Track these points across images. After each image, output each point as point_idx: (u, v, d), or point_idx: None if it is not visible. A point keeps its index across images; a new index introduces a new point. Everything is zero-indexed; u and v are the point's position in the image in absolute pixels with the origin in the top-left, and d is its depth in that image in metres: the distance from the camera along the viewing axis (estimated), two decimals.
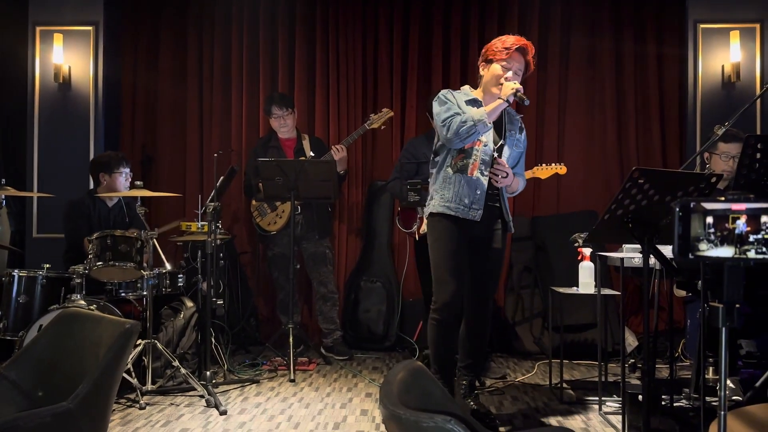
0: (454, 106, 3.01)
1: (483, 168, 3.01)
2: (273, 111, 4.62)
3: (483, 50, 3.12)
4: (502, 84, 2.98)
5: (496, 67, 3.03)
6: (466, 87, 3.19)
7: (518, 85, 2.95)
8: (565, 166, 4.22)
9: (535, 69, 4.99)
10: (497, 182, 3.02)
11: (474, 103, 3.05)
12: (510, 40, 3.04)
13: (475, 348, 3.23)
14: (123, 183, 4.12)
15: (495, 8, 5.14)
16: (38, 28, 5.03)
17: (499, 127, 3.12)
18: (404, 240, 4.95)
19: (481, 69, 3.13)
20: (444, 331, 3.02)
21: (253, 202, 4.70)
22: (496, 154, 3.05)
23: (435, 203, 3.07)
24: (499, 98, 2.97)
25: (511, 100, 2.94)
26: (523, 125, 3.25)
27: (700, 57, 4.91)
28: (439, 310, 3.00)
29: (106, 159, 4.16)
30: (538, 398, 3.58)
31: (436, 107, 3.07)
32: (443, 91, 3.11)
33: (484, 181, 3.01)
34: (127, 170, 4.16)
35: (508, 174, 3.02)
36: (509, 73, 3.00)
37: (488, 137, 3.04)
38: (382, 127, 4.64)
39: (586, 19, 5.19)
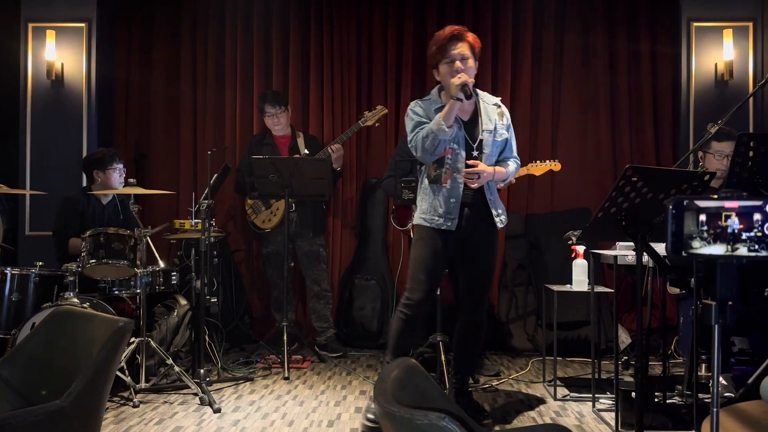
0: (420, 119, 3.01)
1: (457, 175, 3.00)
2: (266, 109, 4.60)
3: (428, 58, 3.09)
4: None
5: (443, 68, 3.02)
6: (435, 90, 3.14)
7: (463, 79, 2.90)
8: (560, 163, 4.23)
9: (530, 67, 5.09)
10: (472, 185, 2.99)
11: (442, 110, 3.01)
12: (440, 37, 3.02)
13: (471, 348, 3.23)
14: (117, 179, 4.11)
15: (489, 6, 5.14)
16: (31, 25, 5.00)
17: (475, 123, 3.06)
18: (399, 238, 4.94)
19: (435, 76, 3.10)
20: (409, 327, 3.07)
21: (248, 200, 4.69)
22: (475, 153, 3.01)
23: (416, 214, 3.12)
24: (450, 98, 2.93)
25: (462, 96, 2.89)
26: (502, 109, 3.15)
27: (693, 55, 4.92)
28: (411, 306, 3.04)
29: (99, 155, 4.15)
30: (531, 395, 3.59)
31: (406, 123, 3.08)
32: (412, 105, 3.11)
33: (459, 188, 3.00)
34: (121, 166, 4.14)
35: (481, 175, 2.97)
36: (460, 67, 2.94)
37: (459, 142, 3.00)
38: (377, 125, 4.64)
39: (579, 18, 5.19)
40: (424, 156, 2.98)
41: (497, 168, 3.07)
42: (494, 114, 3.10)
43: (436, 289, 3.10)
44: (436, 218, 3.01)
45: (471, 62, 3.01)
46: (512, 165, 3.16)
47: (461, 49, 2.99)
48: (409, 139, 3.04)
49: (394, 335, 3.10)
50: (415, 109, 3.07)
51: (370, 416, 2.97)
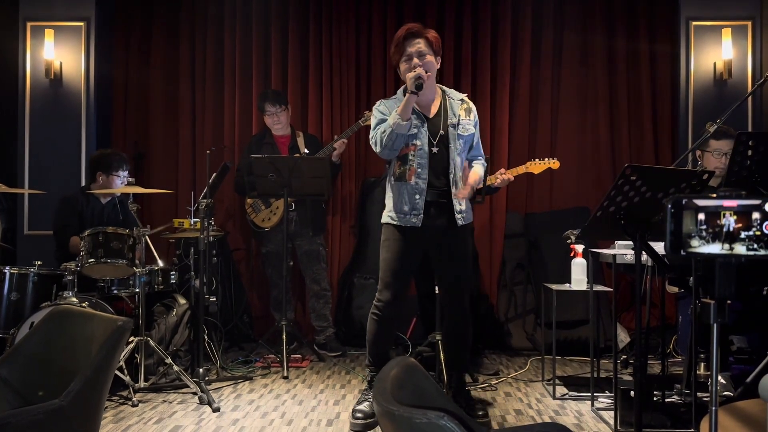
0: (382, 117, 3.04)
1: (420, 172, 3.02)
2: (266, 108, 4.60)
3: (390, 57, 3.12)
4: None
5: (402, 66, 3.05)
6: (399, 91, 3.16)
7: (417, 72, 2.90)
8: (558, 161, 4.23)
9: (529, 65, 5.09)
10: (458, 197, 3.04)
11: None
12: (397, 37, 3.05)
13: (457, 345, 3.24)
14: (119, 185, 4.10)
15: (488, 5, 5.14)
16: (29, 24, 5.00)
17: (438, 119, 3.07)
18: None
19: (401, 75, 3.12)
20: (383, 327, 3.13)
21: (248, 199, 4.69)
22: (435, 149, 3.03)
23: (384, 213, 3.15)
24: (408, 93, 2.94)
25: (414, 89, 2.89)
26: (469, 105, 3.16)
27: (692, 54, 4.92)
28: (381, 307, 3.10)
29: (107, 159, 4.10)
30: (530, 394, 3.60)
31: (371, 122, 3.12)
32: (377, 104, 3.14)
33: (423, 184, 3.02)
34: (126, 173, 4.12)
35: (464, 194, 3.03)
36: (417, 63, 2.96)
37: (422, 139, 3.02)
38: None
39: (578, 17, 5.19)
40: (383, 151, 3.01)
41: (472, 173, 3.10)
42: (458, 109, 3.12)
43: (405, 290, 3.15)
44: (402, 215, 3.04)
45: (429, 58, 3.02)
46: (480, 169, 3.18)
47: (418, 46, 3.01)
48: (370, 136, 3.08)
49: (370, 337, 3.17)
50: (378, 107, 3.11)
51: (359, 414, 3.00)
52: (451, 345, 3.26)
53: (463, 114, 3.12)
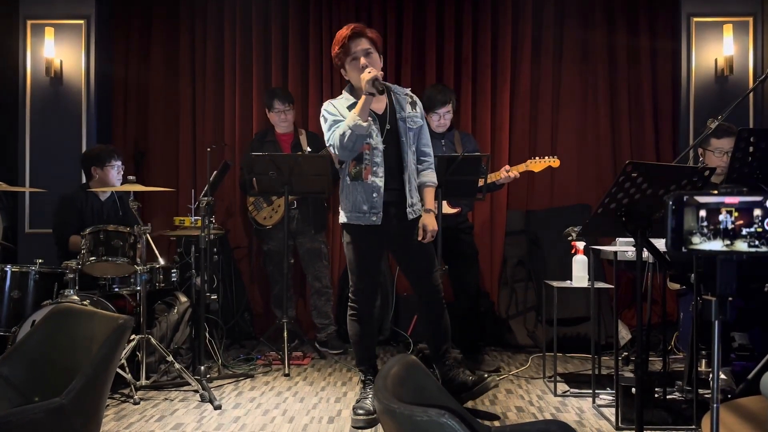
0: (335, 118, 3.04)
1: (376, 170, 3.03)
2: (275, 105, 4.61)
3: (333, 59, 3.12)
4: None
5: (349, 66, 3.05)
6: (346, 89, 3.17)
7: (373, 74, 2.90)
8: (558, 159, 4.23)
9: (529, 62, 5.08)
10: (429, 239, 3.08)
11: (355, 106, 3.03)
12: (338, 37, 3.05)
13: (435, 334, 3.24)
14: (115, 176, 4.11)
15: (488, 1, 5.12)
16: (29, 22, 4.99)
17: (386, 115, 3.09)
18: None
19: (344, 75, 3.13)
20: (363, 325, 3.17)
21: (249, 197, 4.69)
22: (384, 146, 3.03)
23: (341, 214, 3.16)
24: (363, 94, 2.94)
25: (374, 91, 2.90)
26: (414, 99, 3.19)
27: (693, 50, 4.91)
28: (357, 308, 3.17)
29: (96, 152, 4.15)
30: (531, 391, 3.60)
31: (321, 124, 3.12)
32: (324, 105, 3.14)
33: (380, 182, 3.03)
34: (119, 163, 4.14)
35: (432, 232, 3.06)
36: (366, 63, 2.97)
37: (375, 137, 3.03)
38: None
39: (579, 13, 5.18)
40: (343, 153, 3.01)
41: (428, 200, 3.14)
42: (405, 103, 3.15)
43: (376, 286, 3.22)
44: (361, 215, 3.06)
45: (375, 56, 3.05)
46: (432, 174, 3.21)
47: (363, 44, 3.02)
48: (326, 138, 3.07)
49: (354, 338, 3.20)
50: (327, 108, 3.11)
51: (360, 411, 3.01)
52: (431, 325, 3.25)
53: (410, 108, 3.15)
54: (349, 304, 3.19)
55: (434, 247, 3.27)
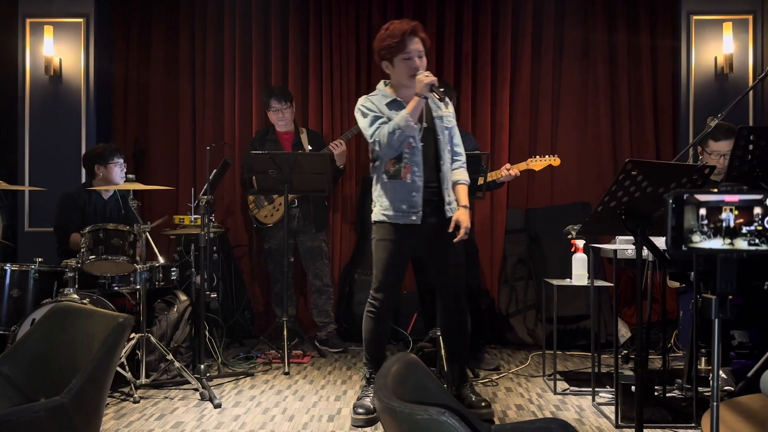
0: (375, 114, 3.02)
1: (416, 168, 3.02)
2: (272, 104, 4.61)
3: (375, 48, 3.07)
4: (415, 78, 2.94)
5: (399, 63, 3.01)
6: (381, 85, 3.15)
7: (431, 78, 2.90)
8: (559, 158, 4.23)
9: (529, 60, 5.08)
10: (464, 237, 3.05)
11: (394, 104, 3.03)
12: (396, 31, 3.00)
13: (455, 339, 3.24)
14: (119, 174, 4.11)
15: None
16: (28, 20, 4.98)
17: (423, 113, 3.07)
18: None
19: (385, 68, 3.10)
20: (379, 324, 3.15)
21: (250, 195, 4.69)
22: (422, 144, 3.03)
23: (376, 211, 3.13)
24: (416, 95, 2.93)
25: (428, 95, 2.90)
26: (446, 99, 3.18)
27: (693, 48, 4.91)
28: (377, 306, 3.14)
29: (100, 150, 4.15)
30: (531, 389, 3.60)
31: (359, 120, 3.09)
32: (361, 100, 3.11)
33: (419, 181, 3.02)
34: (122, 161, 4.15)
35: (464, 228, 3.02)
36: (418, 65, 2.96)
37: (415, 136, 3.02)
38: None
39: (579, 11, 5.18)
40: (388, 151, 2.99)
41: (462, 197, 3.12)
42: (438, 103, 3.14)
43: (398, 287, 3.19)
44: (400, 214, 3.03)
45: (425, 59, 3.04)
46: (464, 172, 3.20)
47: (418, 45, 3.01)
48: (369, 134, 3.03)
49: (367, 336, 3.18)
50: (365, 104, 3.08)
51: (360, 409, 3.01)
52: (451, 338, 3.27)
53: (443, 106, 3.15)
54: (369, 300, 3.15)
55: (462, 256, 3.24)
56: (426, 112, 3.08)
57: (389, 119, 2.99)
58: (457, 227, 3.04)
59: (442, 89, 2.97)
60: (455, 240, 3.04)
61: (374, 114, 3.03)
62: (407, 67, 2.99)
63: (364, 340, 3.22)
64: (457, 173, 3.18)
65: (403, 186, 3.02)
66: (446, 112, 3.15)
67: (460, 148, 3.22)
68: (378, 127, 2.99)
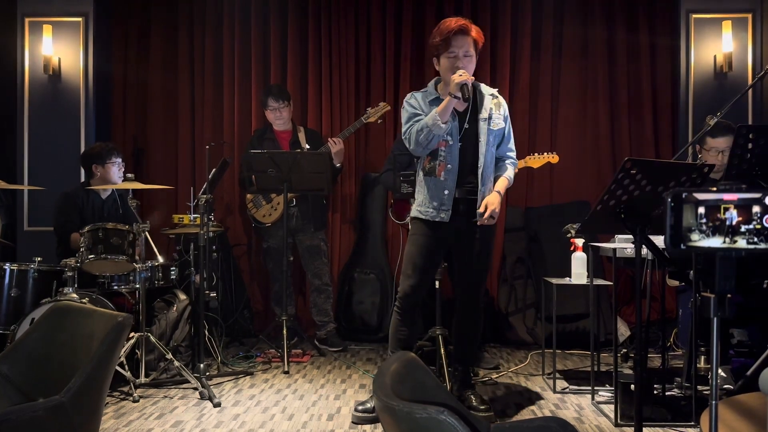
0: (414, 111, 3.02)
1: (450, 167, 3.01)
2: (269, 103, 4.60)
3: (429, 45, 3.08)
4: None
5: (444, 61, 3.01)
6: (432, 82, 3.15)
7: (464, 78, 2.87)
8: (557, 155, 4.23)
9: (528, 58, 5.08)
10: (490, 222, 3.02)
11: (437, 102, 3.02)
12: (446, 28, 3.00)
13: (466, 340, 3.24)
14: (117, 173, 4.11)
15: None
16: (27, 19, 4.98)
17: (467, 113, 3.04)
18: (397, 231, 4.95)
19: (435, 65, 3.10)
20: (403, 321, 3.12)
21: (248, 194, 4.69)
22: (460, 144, 3.01)
23: (413, 207, 3.15)
24: (448, 94, 2.91)
25: (459, 95, 2.88)
26: (499, 100, 3.15)
27: (692, 47, 4.91)
28: (401, 300, 3.11)
29: (97, 150, 4.14)
30: (531, 388, 3.60)
31: (402, 115, 3.10)
32: (407, 97, 3.12)
33: (452, 180, 3.01)
34: (119, 160, 4.14)
35: (494, 213, 2.99)
36: (458, 63, 2.95)
37: (453, 134, 3.01)
38: (379, 122, 4.62)
39: (578, 9, 5.17)
40: (416, 149, 3.00)
41: (499, 185, 3.09)
42: (490, 103, 3.11)
43: (424, 284, 3.13)
44: (431, 210, 3.03)
45: (473, 59, 3.02)
46: (510, 170, 3.17)
47: (465, 44, 2.99)
48: (403, 130, 3.06)
49: (391, 331, 3.16)
50: (410, 101, 3.09)
51: (360, 407, 3.02)
52: (462, 339, 3.26)
53: (495, 108, 3.11)
54: (397, 296, 3.14)
55: (488, 262, 3.23)
56: (470, 113, 3.04)
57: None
58: (486, 207, 2.99)
59: (469, 92, 2.89)
60: (479, 222, 3.01)
61: (413, 111, 3.04)
62: (451, 66, 2.98)
63: (390, 337, 3.18)
64: (500, 168, 3.15)
65: (437, 183, 3.03)
66: (494, 114, 3.10)
67: (513, 153, 3.20)
68: (411, 125, 3.00)
